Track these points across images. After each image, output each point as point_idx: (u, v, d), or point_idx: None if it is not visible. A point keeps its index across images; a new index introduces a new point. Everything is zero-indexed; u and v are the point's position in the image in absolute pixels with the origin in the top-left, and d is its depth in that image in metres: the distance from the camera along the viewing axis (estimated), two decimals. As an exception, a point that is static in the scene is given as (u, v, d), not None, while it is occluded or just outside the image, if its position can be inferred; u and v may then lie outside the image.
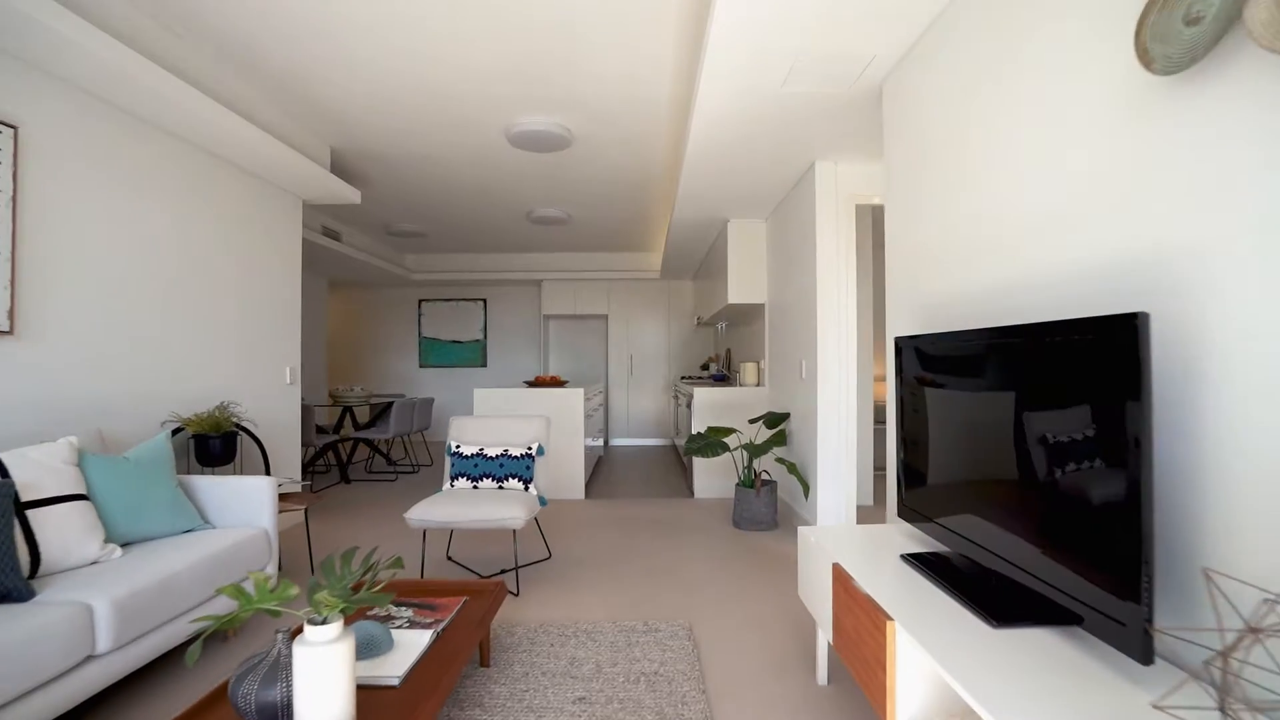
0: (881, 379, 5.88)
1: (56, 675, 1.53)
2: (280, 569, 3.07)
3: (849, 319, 3.55)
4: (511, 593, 2.76)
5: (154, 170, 2.88)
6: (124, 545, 2.04)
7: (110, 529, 2.00)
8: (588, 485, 5.23)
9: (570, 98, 3.37)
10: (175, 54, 2.82)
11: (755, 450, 3.90)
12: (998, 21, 1.75)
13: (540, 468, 3.14)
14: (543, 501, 3.01)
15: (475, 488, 3.02)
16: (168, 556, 1.96)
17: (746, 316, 5.74)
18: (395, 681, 1.52)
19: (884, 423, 5.65)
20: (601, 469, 6.20)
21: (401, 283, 8.01)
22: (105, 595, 1.66)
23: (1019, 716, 0.97)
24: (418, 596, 2.09)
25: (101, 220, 2.60)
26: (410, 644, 1.72)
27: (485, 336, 8.50)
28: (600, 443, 6.89)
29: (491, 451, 3.08)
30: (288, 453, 3.88)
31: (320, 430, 5.55)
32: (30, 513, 1.78)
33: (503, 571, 3.06)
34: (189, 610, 1.95)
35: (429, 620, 1.88)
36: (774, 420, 4.12)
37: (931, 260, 2.18)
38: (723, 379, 6.08)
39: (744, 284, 4.92)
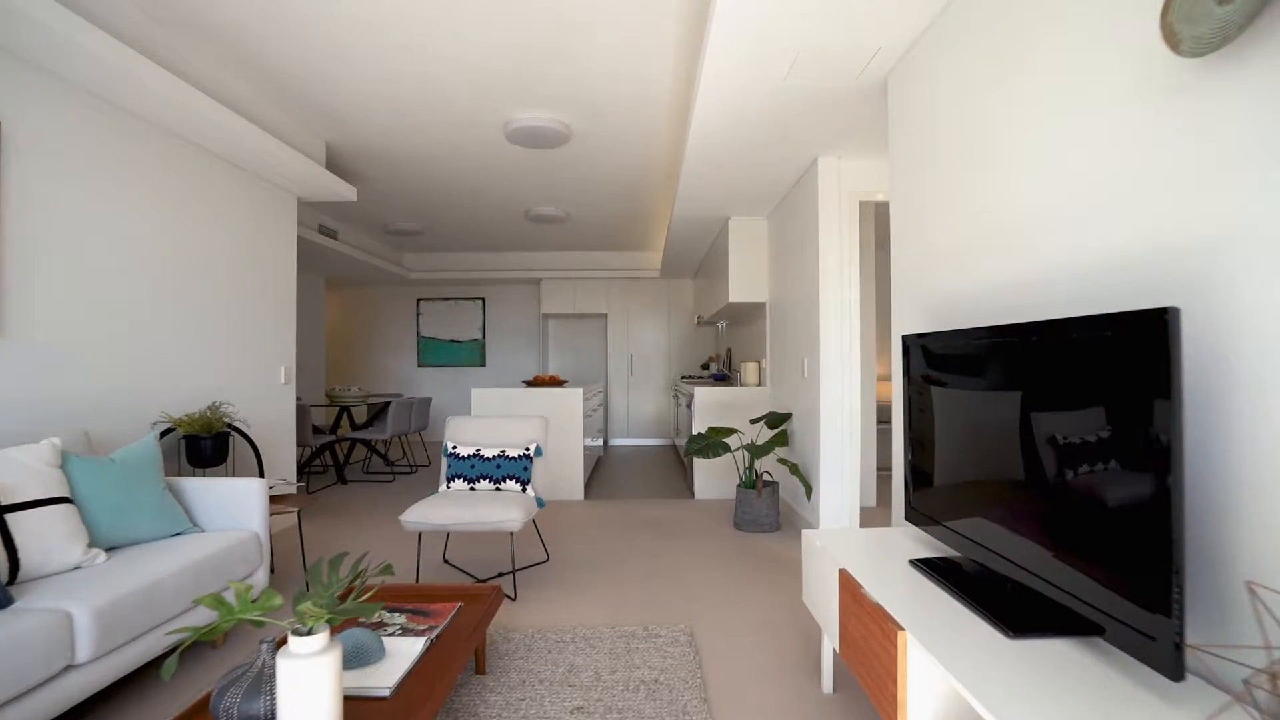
0: (884, 378, 5.83)
1: (34, 686, 1.47)
2: (273, 571, 3.02)
3: (852, 317, 3.49)
4: (509, 596, 2.71)
5: (144, 166, 2.82)
6: (109, 550, 1.98)
7: (94, 533, 1.94)
8: (587, 486, 5.18)
9: (568, 93, 3.31)
10: (165, 46, 2.76)
11: (757, 451, 3.85)
12: (1011, 8, 1.69)
13: (538, 469, 3.09)
14: (540, 503, 2.95)
15: (472, 489, 2.96)
16: (153, 562, 1.91)
17: (747, 315, 5.69)
18: (386, 693, 1.47)
19: (887, 423, 5.59)
20: (601, 469, 6.14)
21: (399, 281, 7.95)
22: (86, 603, 1.60)
23: (1042, 736, 0.91)
24: (411, 602, 2.04)
25: (89, 217, 2.54)
26: (402, 652, 1.66)
27: (484, 336, 8.45)
28: (600, 443, 6.84)
29: (488, 452, 3.02)
30: (282, 453, 3.82)
31: (317, 430, 5.49)
32: (9, 516, 1.72)
33: (500, 575, 3.00)
34: (174, 618, 1.89)
35: (422, 627, 1.83)
36: (775, 420, 4.06)
37: (939, 257, 2.12)
38: (723, 379, 6.03)
39: (745, 282, 4.86)
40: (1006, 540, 1.41)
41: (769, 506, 3.79)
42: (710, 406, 4.80)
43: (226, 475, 3.17)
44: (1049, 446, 1.25)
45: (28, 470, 1.83)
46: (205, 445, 2.87)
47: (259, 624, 1.20)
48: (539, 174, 4.64)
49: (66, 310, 2.44)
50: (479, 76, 3.12)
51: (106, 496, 2.00)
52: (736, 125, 3.10)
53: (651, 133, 3.84)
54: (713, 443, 3.87)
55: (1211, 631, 1.09)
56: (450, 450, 3.06)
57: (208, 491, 2.36)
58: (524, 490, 2.96)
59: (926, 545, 1.87)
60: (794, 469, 3.69)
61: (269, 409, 3.72)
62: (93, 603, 1.61)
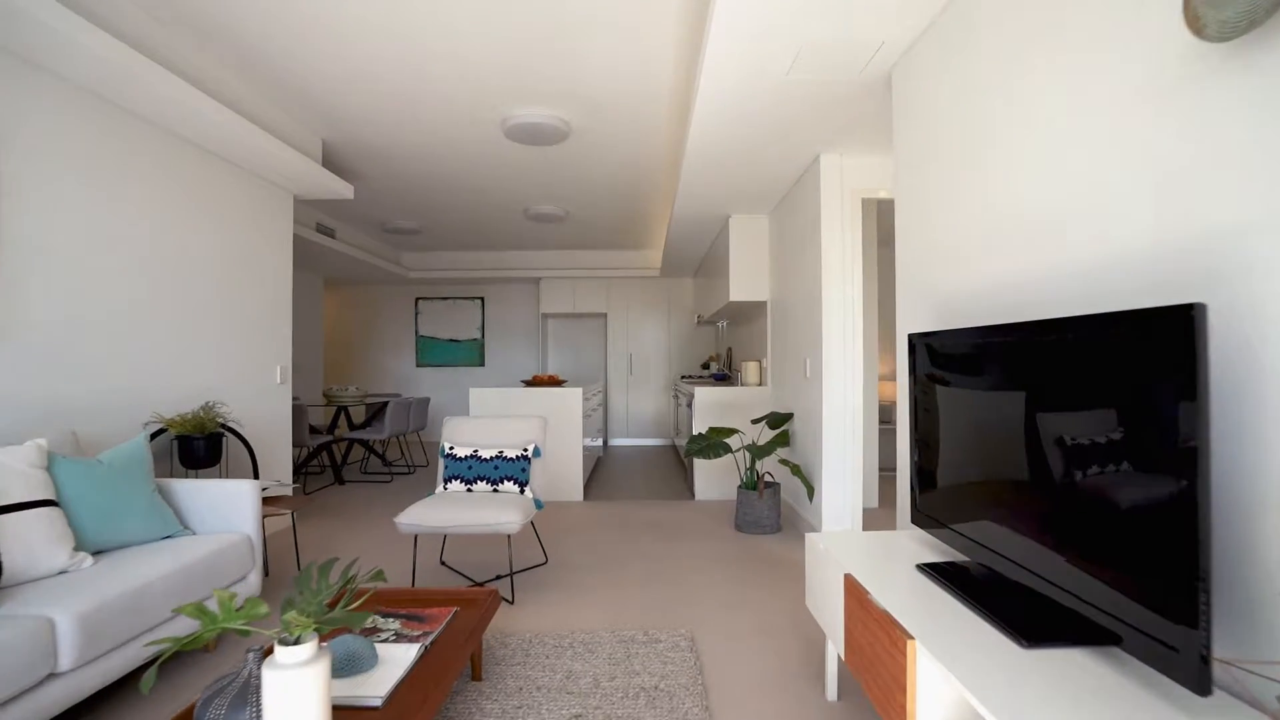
0: (885, 378, 5.78)
1: (15, 695, 1.42)
2: (267, 574, 2.97)
3: (855, 316, 3.45)
4: (506, 600, 2.66)
5: (137, 162, 2.77)
6: (96, 553, 1.94)
7: (81, 536, 1.90)
8: (586, 487, 5.13)
9: (568, 90, 3.26)
10: (159, 43, 2.72)
11: (758, 451, 3.80)
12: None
13: (537, 470, 3.04)
14: (539, 505, 2.91)
15: (469, 491, 2.92)
16: (141, 565, 1.86)
17: (748, 314, 5.64)
18: (378, 702, 1.42)
19: (889, 423, 5.55)
20: (600, 470, 6.10)
21: (398, 281, 7.90)
22: (70, 608, 1.56)
23: (1063, 754, 0.87)
24: (406, 607, 1.99)
25: (79, 213, 2.50)
26: (396, 659, 1.62)
27: (483, 335, 8.40)
28: (599, 443, 6.80)
29: (486, 453, 2.97)
30: (278, 454, 3.78)
31: (314, 430, 5.45)
32: (-8, 520, 1.68)
33: (498, 577, 2.96)
34: (162, 624, 1.85)
35: (417, 633, 1.78)
36: (777, 420, 4.02)
37: (945, 254, 2.08)
38: (724, 378, 5.98)
39: (746, 281, 4.82)
40: (1017, 545, 1.36)
41: (770, 508, 3.75)
42: (711, 406, 4.75)
43: (220, 476, 3.12)
44: (1064, 448, 1.21)
45: (11, 472, 1.79)
46: (198, 446, 2.83)
47: (244, 633, 1.16)
48: (538, 172, 4.59)
49: (56, 309, 2.39)
50: (477, 72, 3.07)
51: (94, 499, 1.95)
52: (738, 121, 3.05)
53: (652, 130, 3.80)
54: (713, 443, 3.82)
55: (1238, 642, 1.04)
56: (447, 451, 3.02)
57: (199, 493, 2.31)
58: (522, 492, 2.91)
59: (933, 549, 1.83)
60: (796, 470, 3.64)
61: (264, 409, 3.68)
62: (76, 608, 1.57)
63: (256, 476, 3.27)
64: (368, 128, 3.78)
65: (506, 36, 2.75)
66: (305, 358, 6.61)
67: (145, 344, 2.84)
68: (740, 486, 3.82)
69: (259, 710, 1.19)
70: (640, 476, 5.71)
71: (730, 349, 6.74)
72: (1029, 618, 1.27)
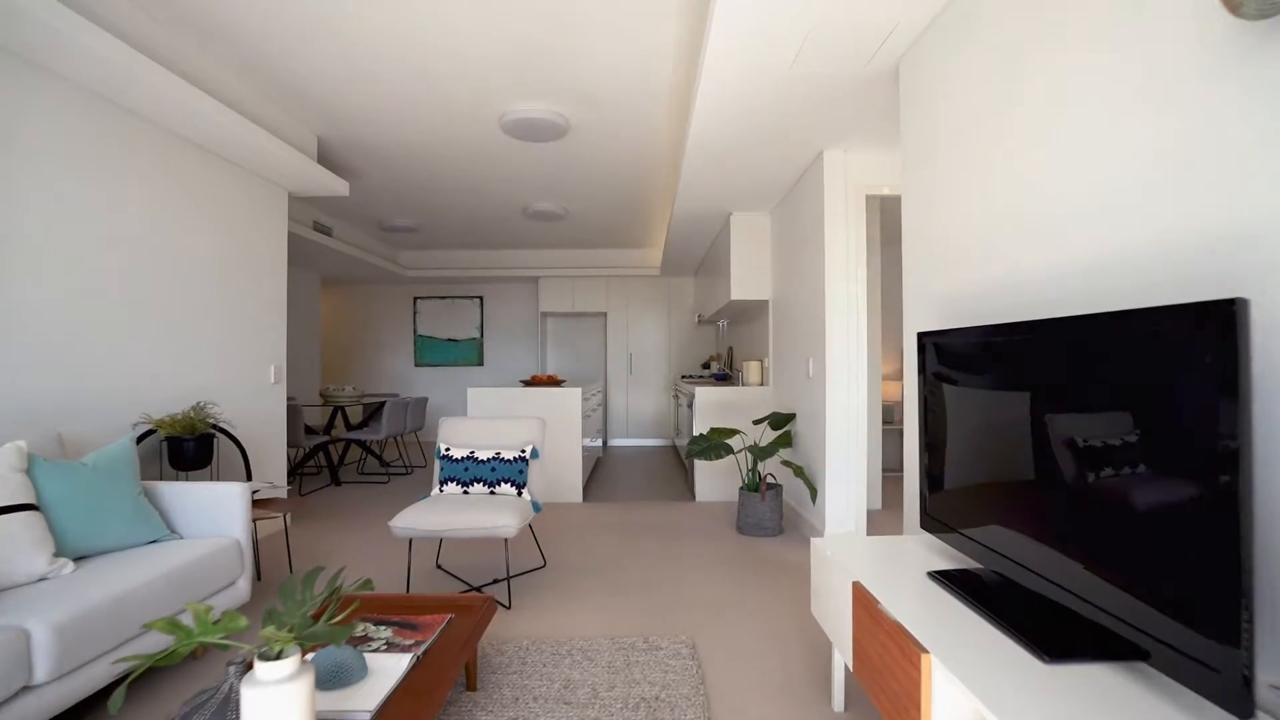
0: (888, 378, 5.72)
1: (-13, 709, 1.36)
2: (259, 579, 2.91)
3: (859, 315, 3.38)
4: (503, 605, 2.60)
5: (126, 157, 2.71)
6: (78, 559, 1.87)
7: (62, 541, 1.83)
8: (585, 488, 5.07)
9: (566, 84, 3.20)
10: (150, 36, 2.65)
11: (760, 453, 3.74)
12: (1035, -17, 1.58)
13: (535, 471, 2.98)
14: (537, 508, 2.85)
15: (465, 493, 2.86)
16: (124, 572, 1.80)
17: (749, 313, 5.58)
18: (366, 717, 1.36)
19: (891, 423, 5.49)
20: (600, 471, 6.04)
21: (396, 279, 7.84)
22: (46, 618, 1.49)
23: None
24: (399, 614, 1.93)
25: (68, 208, 2.43)
26: (386, 670, 1.56)
27: (482, 334, 8.34)
28: (599, 443, 6.74)
29: (483, 455, 2.91)
30: (272, 455, 3.72)
31: (310, 431, 5.38)
32: (-33, 525, 1.61)
33: (495, 581, 2.89)
34: (144, 634, 1.78)
35: (409, 642, 1.72)
36: (779, 421, 3.96)
37: (955, 251, 2.01)
38: (725, 378, 5.92)
39: (747, 280, 4.76)
40: (1035, 552, 1.30)
41: (772, 510, 3.69)
42: (712, 407, 4.69)
43: (212, 478, 3.06)
44: (1088, 451, 1.14)
45: (-11, 475, 1.72)
46: (188, 447, 2.76)
47: (224, 647, 1.10)
48: (537, 169, 4.53)
49: (41, 306, 2.33)
50: (474, 67, 3.01)
51: (76, 502, 1.89)
52: (739, 116, 2.99)
53: (652, 126, 3.74)
54: (714, 444, 3.76)
55: (1275, 659, 0.98)
56: (443, 452, 2.96)
57: (187, 496, 2.25)
58: (520, 494, 2.85)
59: (943, 555, 1.76)
60: (798, 471, 3.58)
61: (258, 409, 3.61)
62: (53, 618, 1.50)
63: (249, 478, 3.22)
64: (362, 124, 3.72)
65: (504, 30, 2.69)
66: (302, 357, 6.54)
67: (135, 343, 2.78)
68: (742, 488, 3.76)
69: (238, 728, 1.13)
70: (640, 477, 5.65)
71: (731, 348, 6.68)
72: (1049, 630, 1.21)
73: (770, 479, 3.91)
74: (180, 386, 3.04)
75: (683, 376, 7.38)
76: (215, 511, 2.25)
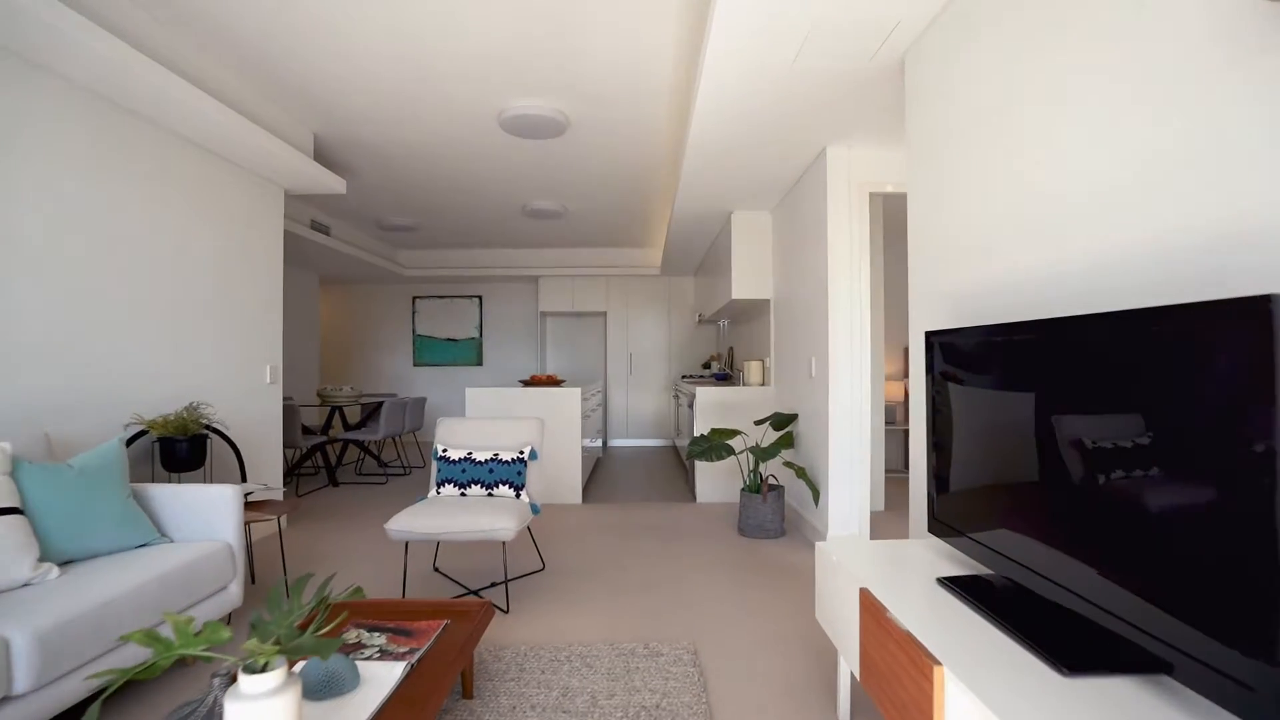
0: (890, 378, 5.67)
1: (-35, 721, 1.32)
2: (253, 581, 2.86)
3: (862, 314, 3.34)
4: (501, 609, 2.55)
5: (119, 153, 2.66)
6: (63, 564, 1.83)
7: (47, 546, 1.79)
8: (585, 489, 5.02)
9: (566, 80, 3.15)
10: (142, 30, 2.61)
11: (762, 454, 3.69)
12: (1048, -29, 1.54)
13: (533, 473, 2.93)
14: (535, 510, 2.80)
15: (463, 495, 2.81)
16: (111, 577, 1.75)
17: (750, 313, 5.53)
18: (357, 729, 1.31)
19: (894, 424, 5.44)
20: (599, 471, 5.99)
21: (395, 279, 7.79)
22: (27, 626, 1.45)
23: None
24: (393, 619, 1.88)
25: (59, 205, 2.39)
26: (379, 679, 1.51)
27: (481, 334, 8.29)
28: (598, 444, 6.69)
29: (480, 456, 2.86)
30: (267, 456, 3.67)
31: (307, 431, 5.34)
32: (-52, 530, 1.57)
33: (493, 584, 2.85)
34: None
35: (403, 649, 1.67)
36: (781, 422, 3.91)
37: (962, 248, 1.97)
38: (725, 378, 5.88)
39: (748, 279, 4.71)
40: (1050, 558, 1.25)
41: (774, 511, 3.64)
42: (713, 407, 4.65)
43: (205, 480, 3.01)
44: (1107, 453, 1.10)
45: (-29, 478, 1.68)
46: (181, 448, 2.72)
47: (207, 659, 1.05)
48: (536, 166, 4.48)
49: (29, 304, 2.28)
50: (473, 64, 2.96)
51: (61, 506, 1.84)
52: (741, 113, 2.94)
53: (652, 123, 3.69)
54: (715, 445, 3.71)
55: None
56: (440, 454, 2.91)
57: (177, 498, 2.20)
58: (518, 496, 2.80)
59: (952, 560, 1.72)
60: (801, 473, 3.53)
61: (253, 409, 3.57)
62: (35, 626, 1.46)
63: (244, 479, 3.17)
64: (361, 120, 3.67)
65: (502, 24, 2.64)
66: (300, 357, 6.50)
67: (127, 342, 2.74)
68: (743, 489, 3.71)
69: (222, 744, 1.09)
70: (640, 478, 5.61)
71: (732, 348, 6.63)
72: (1066, 641, 1.16)
73: (772, 480, 3.87)
74: (174, 386, 3.00)
75: (683, 376, 7.34)
76: (207, 514, 2.20)
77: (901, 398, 5.76)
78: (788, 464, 3.74)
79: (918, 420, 2.22)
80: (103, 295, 2.61)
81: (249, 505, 2.75)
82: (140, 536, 2.03)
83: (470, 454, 2.87)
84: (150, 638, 0.95)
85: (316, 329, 6.91)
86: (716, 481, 4.59)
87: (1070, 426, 1.20)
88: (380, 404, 5.62)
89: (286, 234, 4.97)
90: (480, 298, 8.26)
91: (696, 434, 4.52)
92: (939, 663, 1.14)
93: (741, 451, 3.99)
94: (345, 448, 5.85)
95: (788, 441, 3.84)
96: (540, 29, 2.68)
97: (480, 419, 3.07)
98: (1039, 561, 1.29)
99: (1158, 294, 1.22)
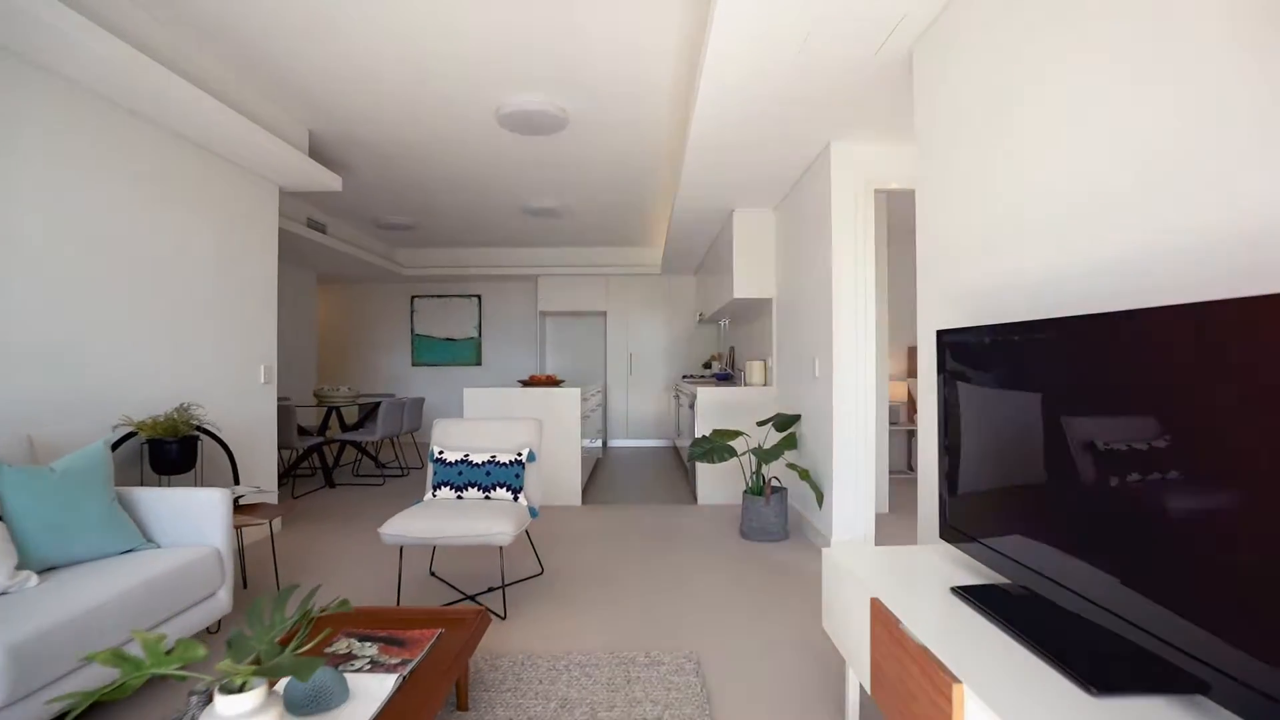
0: (893, 378, 5.61)
1: (-67, 738, 1.25)
2: (245, 586, 2.80)
3: (867, 313, 3.27)
4: (497, 615, 2.49)
5: (109, 150, 2.60)
6: (44, 571, 1.77)
7: (26, 552, 1.72)
8: (584, 490, 4.96)
9: (564, 74, 3.09)
10: (131, 22, 2.54)
11: (765, 455, 3.63)
12: (1067, -46, 1.48)
13: (531, 475, 2.87)
14: (533, 513, 2.74)
15: (459, 498, 2.75)
16: (93, 585, 1.69)
17: (751, 312, 5.47)
18: (344, 747, 1.25)
19: (897, 424, 5.38)
20: (599, 472, 5.93)
21: (393, 278, 7.72)
22: (2, 638, 1.38)
23: None
24: (386, 628, 1.82)
25: (46, 202, 2.33)
26: (370, 692, 1.45)
27: (480, 334, 8.22)
28: (598, 444, 6.63)
29: (477, 458, 2.80)
30: (261, 458, 3.60)
31: (303, 432, 5.28)
32: (-80, 537, 1.50)
33: (490, 589, 2.78)
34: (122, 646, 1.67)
35: (395, 660, 1.61)
36: (784, 423, 3.85)
37: (975, 245, 1.90)
38: (727, 378, 5.82)
39: (750, 277, 4.65)
40: (1072, 568, 1.19)
41: (777, 514, 3.58)
42: (714, 407, 4.58)
43: (196, 482, 2.95)
44: (1134, 457, 1.03)
45: (-53, 483, 1.62)
46: (170, 450, 2.65)
47: (180, 678, 0.99)
48: (535, 163, 4.42)
49: (14, 302, 2.22)
50: (468, 56, 2.90)
51: (41, 511, 1.78)
52: (744, 108, 2.88)
53: (653, 118, 3.63)
54: (717, 446, 3.65)
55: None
56: (437, 456, 2.85)
57: (164, 502, 2.14)
58: (515, 499, 2.74)
59: (965, 567, 1.65)
60: (804, 474, 3.47)
61: (247, 410, 3.50)
62: (10, 638, 1.39)
63: (236, 482, 3.11)
64: (356, 116, 3.61)
65: (499, 18, 2.58)
66: (298, 357, 6.43)
67: (116, 341, 2.67)
68: (746, 492, 3.65)
69: (198, 767, 1.02)
70: (641, 479, 5.54)
71: (733, 348, 6.57)
72: (1093, 657, 1.10)
73: (775, 482, 3.80)
74: (165, 387, 2.94)
75: (684, 376, 7.28)
76: (195, 519, 2.14)
77: (904, 398, 5.70)
78: (791, 466, 3.67)
79: (926, 422, 2.16)
80: (91, 294, 2.54)
81: (240, 509, 2.69)
82: (125, 542, 1.97)
83: (467, 456, 2.81)
84: (117, 657, 0.89)
85: (314, 328, 6.85)
86: (718, 483, 4.52)
87: (1096, 429, 1.13)
88: (378, 404, 5.56)
89: (283, 232, 4.91)
90: (479, 297, 8.20)
91: (698, 435, 4.46)
92: (958, 680, 1.08)
93: (744, 453, 3.93)
94: (342, 449, 5.79)
95: (790, 443, 3.77)
96: (539, 21, 2.62)
97: (477, 420, 3.01)
98: (1060, 571, 1.23)
99: (1197, 290, 1.15)
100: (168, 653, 0.94)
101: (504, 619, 2.46)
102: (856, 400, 3.28)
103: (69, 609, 1.56)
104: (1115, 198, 1.34)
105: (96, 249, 2.56)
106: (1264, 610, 0.81)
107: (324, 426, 5.59)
